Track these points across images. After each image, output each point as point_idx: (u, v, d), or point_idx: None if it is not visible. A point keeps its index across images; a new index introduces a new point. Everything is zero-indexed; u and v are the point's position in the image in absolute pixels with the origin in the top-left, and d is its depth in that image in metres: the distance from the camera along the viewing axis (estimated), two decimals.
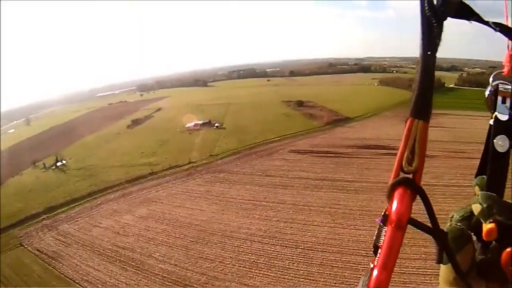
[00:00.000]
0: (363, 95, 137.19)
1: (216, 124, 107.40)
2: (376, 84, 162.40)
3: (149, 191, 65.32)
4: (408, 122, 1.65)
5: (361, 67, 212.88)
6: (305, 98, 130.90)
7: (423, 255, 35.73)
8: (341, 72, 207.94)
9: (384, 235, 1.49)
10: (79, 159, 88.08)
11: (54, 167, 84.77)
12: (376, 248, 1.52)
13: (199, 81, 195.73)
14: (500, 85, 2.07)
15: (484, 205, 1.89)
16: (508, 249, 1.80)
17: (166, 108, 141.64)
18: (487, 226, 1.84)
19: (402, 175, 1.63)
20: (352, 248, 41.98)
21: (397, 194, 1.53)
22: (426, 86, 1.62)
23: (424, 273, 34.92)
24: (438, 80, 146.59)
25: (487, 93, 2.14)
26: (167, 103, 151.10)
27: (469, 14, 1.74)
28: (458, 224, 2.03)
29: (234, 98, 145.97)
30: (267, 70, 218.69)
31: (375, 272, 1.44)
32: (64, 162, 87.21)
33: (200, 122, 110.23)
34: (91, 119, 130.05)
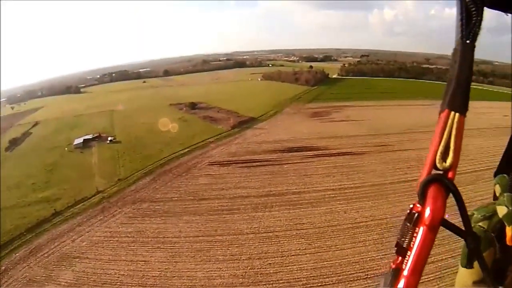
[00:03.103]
0: (253, 91, 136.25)
1: (109, 138, 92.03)
2: (259, 79, 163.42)
3: (63, 242, 49.30)
4: (443, 115, 1.50)
5: (236, 62, 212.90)
6: (194, 99, 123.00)
7: None
8: (216, 68, 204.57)
9: (413, 236, 1.44)
10: None
11: None
12: (400, 247, 1.46)
13: (71, 87, 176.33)
14: None
15: (511, 208, 1.84)
16: None
17: (44, 122, 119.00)
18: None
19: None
20: (349, 272, 38.39)
21: (430, 192, 1.45)
22: (465, 77, 1.52)
23: None
24: (322, 71, 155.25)
25: None
26: (43, 116, 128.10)
27: (507, 6, 1.69)
28: (479, 224, 2.00)
29: (114, 104, 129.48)
30: (140, 70, 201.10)
31: (404, 274, 1.41)
32: None
33: (90, 136, 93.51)
34: None
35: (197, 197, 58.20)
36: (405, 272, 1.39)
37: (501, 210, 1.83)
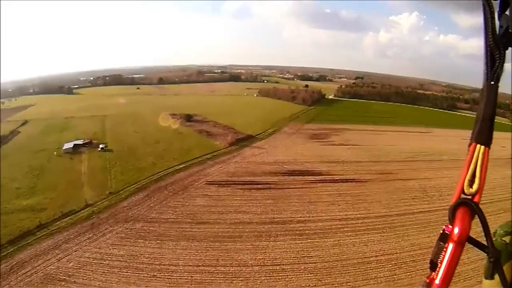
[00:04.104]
0: (249, 107, 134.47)
1: (101, 146, 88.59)
2: (255, 95, 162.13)
3: (48, 260, 45.72)
4: (471, 147, 1.76)
5: (231, 75, 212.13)
6: (189, 111, 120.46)
7: None
8: (211, 80, 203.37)
9: (444, 252, 1.68)
10: None
11: None
12: (433, 264, 1.70)
13: (64, 87, 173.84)
14: None
15: None
16: None
17: (33, 121, 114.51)
18: None
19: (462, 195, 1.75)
20: None
21: (458, 213, 1.69)
22: (489, 114, 1.74)
23: None
24: (319, 91, 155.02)
25: None
26: (33, 114, 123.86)
27: None
28: (503, 239, 2.09)
29: (106, 108, 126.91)
30: (134, 76, 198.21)
31: (436, 283, 1.64)
32: None
33: (80, 142, 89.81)
34: None
35: (195, 220, 55.56)
36: (437, 281, 1.62)
37: None
